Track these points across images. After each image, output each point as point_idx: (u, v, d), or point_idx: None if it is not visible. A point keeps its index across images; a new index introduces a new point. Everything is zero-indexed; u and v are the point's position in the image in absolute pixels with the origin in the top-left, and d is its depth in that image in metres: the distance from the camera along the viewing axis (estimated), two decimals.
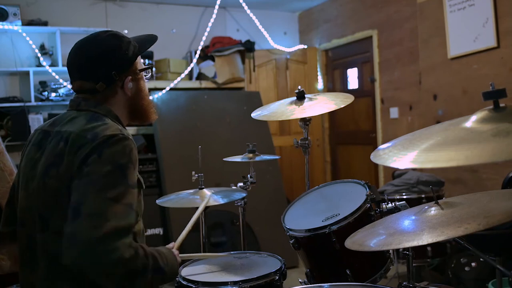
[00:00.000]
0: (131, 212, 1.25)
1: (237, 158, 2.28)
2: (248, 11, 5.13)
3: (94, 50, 1.40)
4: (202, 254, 1.91)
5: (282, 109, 2.14)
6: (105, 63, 1.40)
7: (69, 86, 4.15)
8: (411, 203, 1.76)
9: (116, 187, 1.23)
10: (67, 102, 3.40)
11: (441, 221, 1.18)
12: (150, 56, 4.75)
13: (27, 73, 4.31)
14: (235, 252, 1.98)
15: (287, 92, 5.58)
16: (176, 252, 1.49)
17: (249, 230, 4.04)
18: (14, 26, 4.19)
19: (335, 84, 5.67)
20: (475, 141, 1.01)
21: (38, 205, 1.33)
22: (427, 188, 3.23)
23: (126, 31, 4.95)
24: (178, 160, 4.17)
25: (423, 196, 3.15)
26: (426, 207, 1.29)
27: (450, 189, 3.67)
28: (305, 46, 5.78)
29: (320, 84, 5.79)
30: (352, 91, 5.03)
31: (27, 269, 1.37)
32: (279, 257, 1.84)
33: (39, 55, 4.39)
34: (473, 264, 2.93)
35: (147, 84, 1.57)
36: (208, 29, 5.03)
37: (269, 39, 5.39)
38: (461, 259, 3.00)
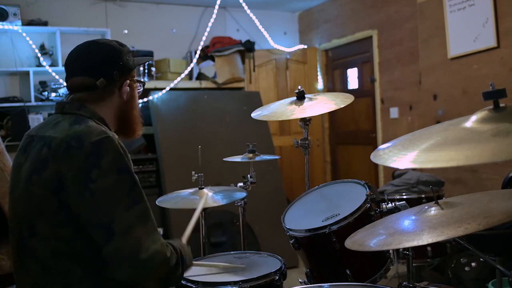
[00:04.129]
0: (148, 206, 1.31)
1: (237, 158, 2.28)
2: (248, 11, 5.13)
3: (100, 50, 1.46)
4: (215, 263, 1.88)
5: (282, 109, 2.14)
6: (109, 62, 1.45)
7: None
8: (411, 203, 1.76)
9: (130, 192, 1.28)
10: None
11: (441, 221, 1.18)
12: (150, 55, 4.74)
13: (27, 73, 4.31)
14: (235, 252, 1.98)
15: (287, 92, 5.57)
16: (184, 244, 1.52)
17: (249, 230, 4.03)
18: (14, 26, 4.19)
19: (335, 84, 5.66)
20: (475, 141, 1.01)
21: (24, 211, 1.33)
22: (427, 188, 3.23)
23: (126, 31, 4.95)
24: (178, 160, 4.17)
25: (423, 196, 3.15)
26: (426, 207, 1.29)
27: (450, 189, 3.67)
28: (305, 46, 5.78)
29: (320, 84, 5.79)
30: (352, 91, 5.03)
31: (19, 275, 1.38)
32: (279, 257, 1.84)
33: (39, 55, 4.39)
34: (473, 264, 2.93)
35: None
36: (208, 29, 5.02)
37: (269, 39, 5.39)
38: (461, 259, 3.00)
